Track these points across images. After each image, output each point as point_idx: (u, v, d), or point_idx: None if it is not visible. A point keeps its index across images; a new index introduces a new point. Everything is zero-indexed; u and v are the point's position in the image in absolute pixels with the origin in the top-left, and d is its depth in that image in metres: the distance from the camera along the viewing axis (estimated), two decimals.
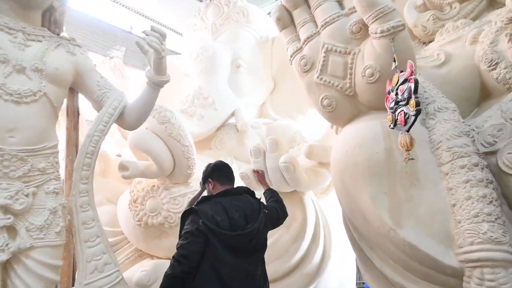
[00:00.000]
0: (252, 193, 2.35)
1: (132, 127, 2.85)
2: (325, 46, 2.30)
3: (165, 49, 2.52)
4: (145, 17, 7.10)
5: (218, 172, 2.38)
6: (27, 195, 2.18)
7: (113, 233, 4.60)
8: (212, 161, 4.51)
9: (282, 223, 2.50)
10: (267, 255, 3.45)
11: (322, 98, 2.39)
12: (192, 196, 3.26)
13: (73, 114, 2.94)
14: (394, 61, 1.98)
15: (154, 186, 3.94)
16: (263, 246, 2.23)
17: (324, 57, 2.31)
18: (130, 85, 5.99)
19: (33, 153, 2.22)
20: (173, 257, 1.95)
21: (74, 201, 2.42)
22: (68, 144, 2.90)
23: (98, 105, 2.64)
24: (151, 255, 4.16)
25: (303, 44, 2.44)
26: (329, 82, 2.33)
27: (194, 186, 3.83)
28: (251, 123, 4.61)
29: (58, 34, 2.64)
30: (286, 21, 2.56)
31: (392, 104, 1.95)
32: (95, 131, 2.49)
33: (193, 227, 1.97)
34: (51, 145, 2.38)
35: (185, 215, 2.10)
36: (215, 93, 4.59)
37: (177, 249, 1.97)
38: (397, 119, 1.91)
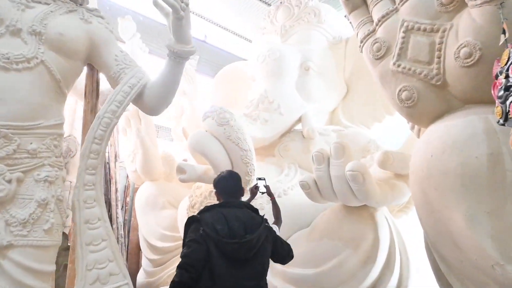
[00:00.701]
0: (255, 210, 2.23)
1: (153, 110, 2.45)
2: (405, 24, 1.82)
3: (186, 9, 2.12)
4: (219, 26, 7.09)
5: (222, 184, 2.28)
6: (9, 181, 1.80)
7: (173, 238, 4.47)
8: (275, 169, 4.19)
9: (287, 261, 2.31)
10: (329, 279, 2.99)
11: (400, 90, 1.90)
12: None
13: (91, 95, 2.62)
14: (504, 33, 1.43)
15: (212, 191, 3.70)
16: (263, 260, 2.05)
17: (404, 38, 1.83)
18: (201, 91, 5.97)
19: (22, 130, 1.87)
20: (179, 266, 1.88)
21: (77, 195, 2.05)
22: (84, 128, 2.54)
23: (115, 83, 2.26)
24: None
25: (377, 24, 1.98)
26: (410, 69, 1.84)
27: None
28: (319, 130, 4.16)
29: (80, 5, 2.27)
30: (357, 0, 2.12)
31: (502, 92, 1.40)
32: (106, 112, 2.13)
33: (196, 235, 1.93)
34: (49, 124, 2.00)
35: (188, 224, 2.04)
36: (281, 97, 4.24)
37: (181, 258, 1.91)
38: (509, 111, 1.36)
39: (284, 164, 4.00)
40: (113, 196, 5.32)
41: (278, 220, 2.92)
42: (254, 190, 3.07)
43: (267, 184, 3.12)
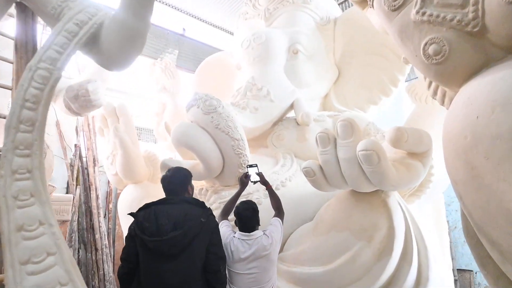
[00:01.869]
0: (199, 204, 2.19)
1: (113, 61, 1.80)
2: None
3: None
4: (198, 18, 6.66)
5: (164, 181, 2.27)
6: None
7: None
8: (269, 160, 3.81)
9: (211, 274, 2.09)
10: (341, 276, 2.63)
11: (426, 44, 1.54)
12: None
13: (24, 48, 2.03)
14: None
15: (202, 189, 3.29)
16: (193, 257, 2.01)
17: None
18: (182, 87, 5.53)
19: None
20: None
21: (2, 187, 1.41)
22: (15, 85, 1.97)
23: (55, 22, 1.66)
24: None
25: None
26: (438, 17, 1.48)
27: (247, 189, 3.10)
28: (314, 116, 3.80)
29: None
30: None
31: None
32: (41, 61, 1.52)
33: (129, 232, 2.06)
34: None
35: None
36: (270, 83, 3.87)
37: None
38: None
39: (279, 154, 3.62)
40: (93, 204, 4.84)
41: (279, 211, 2.55)
42: (244, 179, 2.70)
43: (259, 171, 2.75)
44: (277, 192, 3.09)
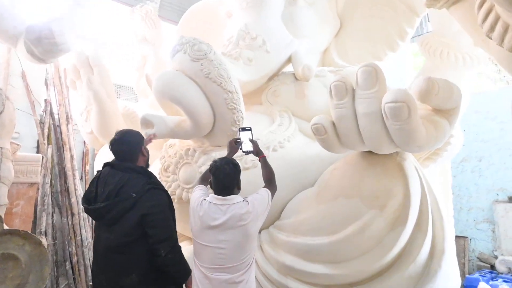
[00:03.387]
0: (146, 174, 2.04)
1: None
2: None
3: None
4: None
5: (112, 147, 2.12)
6: None
7: None
8: (265, 118, 3.38)
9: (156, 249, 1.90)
10: (349, 248, 2.30)
11: None
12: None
13: None
14: None
15: (189, 149, 2.86)
16: (119, 231, 1.89)
17: None
18: (165, 39, 4.92)
19: None
20: None
21: None
22: None
23: None
24: (190, 238, 3.12)
25: None
26: None
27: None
28: (314, 71, 3.34)
29: None
30: None
31: None
32: None
33: None
34: None
35: None
36: (266, 31, 3.35)
37: None
38: None
39: (275, 112, 3.18)
40: (68, 165, 4.35)
41: (271, 184, 2.12)
42: (234, 144, 2.25)
43: (253, 137, 2.30)
44: (274, 154, 2.71)
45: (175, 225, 2.02)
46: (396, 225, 2.18)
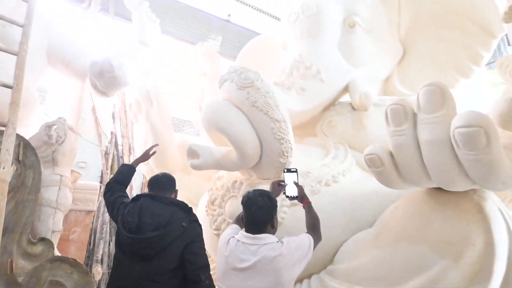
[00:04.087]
0: (186, 209, 2.03)
1: None
2: None
3: None
4: (243, 3, 6.12)
5: (153, 179, 2.19)
6: None
7: None
8: (318, 151, 3.14)
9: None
10: None
11: None
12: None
13: None
14: None
15: (236, 182, 2.71)
16: (166, 260, 1.87)
17: None
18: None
19: None
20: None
21: None
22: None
23: None
24: None
25: None
26: None
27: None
28: (373, 101, 3.06)
29: None
30: None
31: None
32: None
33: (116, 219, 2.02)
34: None
35: (115, 200, 2.07)
36: (321, 60, 3.19)
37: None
38: None
39: (330, 144, 2.93)
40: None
41: (314, 231, 1.79)
42: (277, 186, 1.99)
43: (298, 181, 2.03)
44: (327, 189, 2.44)
45: None
46: (477, 280, 1.75)
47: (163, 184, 2.13)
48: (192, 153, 2.52)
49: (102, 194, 4.09)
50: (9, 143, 1.92)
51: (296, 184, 2.02)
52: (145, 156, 2.49)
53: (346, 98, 3.30)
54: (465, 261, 1.76)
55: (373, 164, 1.73)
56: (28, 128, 3.37)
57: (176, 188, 2.23)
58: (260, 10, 6.36)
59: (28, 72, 2.81)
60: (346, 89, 3.22)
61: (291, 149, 2.41)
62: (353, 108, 3.06)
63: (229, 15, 6.16)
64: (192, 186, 3.91)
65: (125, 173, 2.26)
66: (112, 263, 2.03)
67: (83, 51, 3.62)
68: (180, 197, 3.75)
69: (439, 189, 1.91)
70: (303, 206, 1.93)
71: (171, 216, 1.94)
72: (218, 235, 2.69)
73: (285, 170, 2.09)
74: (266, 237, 1.63)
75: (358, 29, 3.42)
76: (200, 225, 2.03)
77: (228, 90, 2.46)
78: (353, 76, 3.19)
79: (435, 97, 1.49)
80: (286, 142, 2.36)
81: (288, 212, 2.30)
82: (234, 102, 2.42)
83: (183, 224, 1.92)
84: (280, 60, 3.84)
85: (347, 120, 3.02)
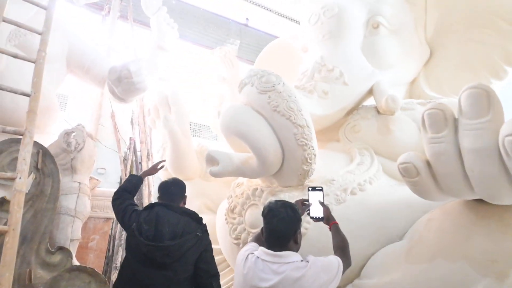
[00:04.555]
0: (197, 219, 2.06)
1: None
2: None
3: None
4: (262, 7, 6.03)
5: (164, 187, 2.19)
6: None
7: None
8: (342, 157, 2.99)
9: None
10: None
11: None
12: None
13: None
14: None
15: (256, 189, 2.59)
16: (181, 268, 1.89)
17: None
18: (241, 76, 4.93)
19: None
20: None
21: None
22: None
23: None
24: None
25: None
26: None
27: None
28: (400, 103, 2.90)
29: None
30: None
31: None
32: None
33: (129, 224, 2.00)
34: None
35: (125, 208, 2.09)
36: (344, 63, 3.05)
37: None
38: None
39: (354, 150, 2.78)
40: (145, 201, 4.40)
41: (343, 254, 1.60)
42: (301, 205, 1.81)
43: (324, 200, 1.85)
44: (353, 198, 2.30)
45: None
46: None
47: (172, 193, 2.15)
48: (211, 159, 2.42)
49: None
50: (26, 153, 1.87)
51: (322, 203, 1.84)
52: (153, 170, 2.51)
53: (369, 102, 3.15)
54: (510, 281, 1.58)
55: (408, 173, 1.58)
56: (49, 135, 3.36)
57: (186, 194, 2.25)
58: (279, 14, 6.27)
59: (48, 79, 2.79)
60: (370, 93, 3.06)
61: (315, 155, 2.28)
62: (378, 112, 2.90)
63: (247, 19, 6.09)
64: (210, 193, 3.82)
65: (134, 183, 2.30)
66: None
67: (102, 57, 3.60)
68: (198, 204, 3.69)
69: (479, 200, 1.74)
70: (329, 228, 1.75)
71: (185, 225, 1.98)
72: (238, 244, 2.58)
73: (310, 189, 1.90)
74: (288, 254, 1.46)
75: (382, 30, 3.27)
76: (209, 235, 2.07)
77: (248, 94, 2.35)
78: (378, 79, 3.04)
79: (480, 100, 1.33)
80: (309, 148, 2.23)
81: (312, 223, 2.16)
82: (254, 106, 2.31)
83: (198, 233, 1.97)
84: (301, 63, 3.73)
85: (372, 124, 2.87)
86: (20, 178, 1.82)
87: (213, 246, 3.35)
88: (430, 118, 1.47)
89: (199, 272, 1.93)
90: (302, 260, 1.46)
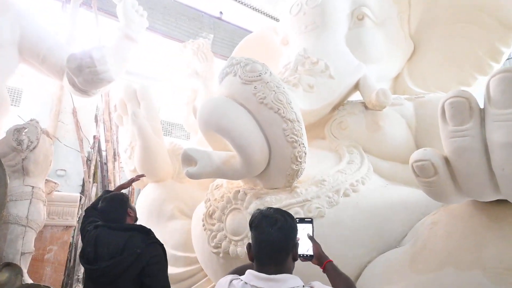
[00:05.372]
0: (146, 232, 2.02)
1: None
2: None
3: None
4: (237, 1, 5.75)
5: (102, 213, 2.14)
6: None
7: (187, 260, 3.07)
8: (329, 156, 2.77)
9: None
10: None
11: None
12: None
13: None
14: None
15: (238, 192, 2.31)
16: (122, 286, 1.87)
17: None
18: (216, 72, 4.62)
19: None
20: None
21: None
22: None
23: None
24: None
25: None
26: None
27: (304, 194, 2.09)
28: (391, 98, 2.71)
29: None
30: None
31: None
32: None
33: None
34: None
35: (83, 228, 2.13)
36: (328, 55, 2.83)
37: None
38: None
39: (342, 147, 2.57)
40: None
41: None
42: None
43: (313, 234, 1.45)
44: (346, 200, 2.08)
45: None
46: None
47: (110, 213, 2.10)
48: (187, 159, 2.11)
49: (82, 205, 3.63)
50: None
51: (311, 238, 1.44)
52: (129, 184, 2.46)
53: (354, 97, 2.97)
54: None
55: (424, 173, 1.36)
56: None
57: (130, 207, 2.20)
58: (254, 8, 6.01)
59: None
60: (355, 87, 2.87)
61: (305, 153, 2.04)
62: (366, 108, 2.72)
63: (221, 12, 5.78)
64: (184, 196, 3.49)
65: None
66: None
67: (60, 45, 3.18)
68: (171, 208, 3.34)
69: (490, 201, 1.56)
70: (323, 270, 1.37)
71: (126, 242, 1.94)
72: (218, 254, 2.29)
73: (297, 220, 1.40)
74: (286, 278, 1.16)
75: (367, 22, 3.10)
76: (161, 245, 2.00)
77: (230, 85, 2.07)
78: (364, 73, 2.85)
79: (509, 85, 1.13)
80: (299, 145, 1.98)
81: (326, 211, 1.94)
82: (237, 99, 2.03)
83: (137, 250, 1.91)
84: (282, 56, 3.49)
85: (360, 120, 2.67)
86: None
87: (188, 254, 3.08)
88: (453, 108, 1.25)
89: (144, 287, 1.90)
90: (304, 286, 1.16)
